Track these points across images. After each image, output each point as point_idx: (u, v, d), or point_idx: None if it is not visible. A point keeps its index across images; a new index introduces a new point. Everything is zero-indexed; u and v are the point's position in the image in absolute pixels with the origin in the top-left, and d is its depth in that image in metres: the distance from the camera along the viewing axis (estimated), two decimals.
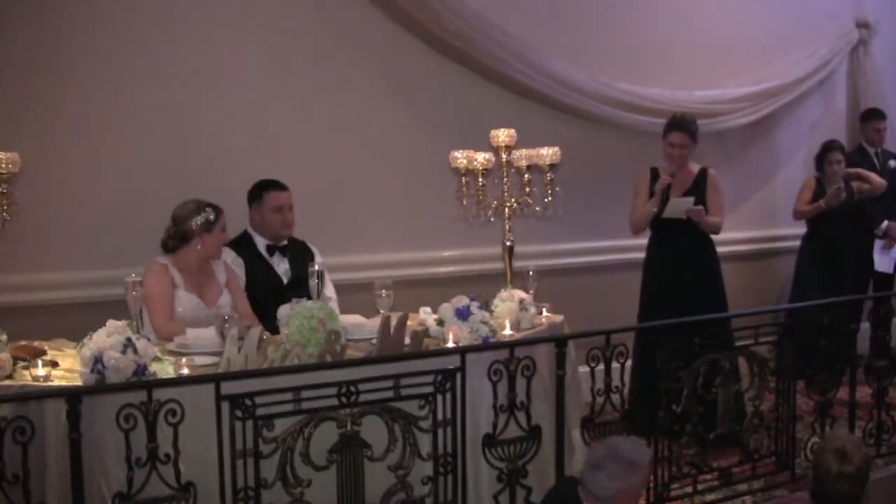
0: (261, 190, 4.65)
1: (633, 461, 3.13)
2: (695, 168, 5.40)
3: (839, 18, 7.18)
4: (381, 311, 3.88)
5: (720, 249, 5.54)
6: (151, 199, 4.54)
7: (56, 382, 3.23)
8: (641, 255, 5.53)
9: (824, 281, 6.29)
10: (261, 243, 4.66)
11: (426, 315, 4.12)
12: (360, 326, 4.02)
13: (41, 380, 3.21)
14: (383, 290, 3.95)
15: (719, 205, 5.36)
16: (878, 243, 6.66)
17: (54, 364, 3.37)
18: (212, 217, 4.21)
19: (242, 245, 4.63)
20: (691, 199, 5.22)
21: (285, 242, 4.71)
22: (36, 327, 4.00)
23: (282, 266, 4.66)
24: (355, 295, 4.79)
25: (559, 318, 4.43)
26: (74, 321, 3.87)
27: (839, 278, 6.32)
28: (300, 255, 4.69)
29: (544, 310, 4.41)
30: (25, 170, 3.81)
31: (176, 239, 4.21)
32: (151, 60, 4.71)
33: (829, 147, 6.52)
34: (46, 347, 3.61)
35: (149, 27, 4.70)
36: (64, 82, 4.53)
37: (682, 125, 5.29)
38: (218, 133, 4.88)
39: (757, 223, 6.92)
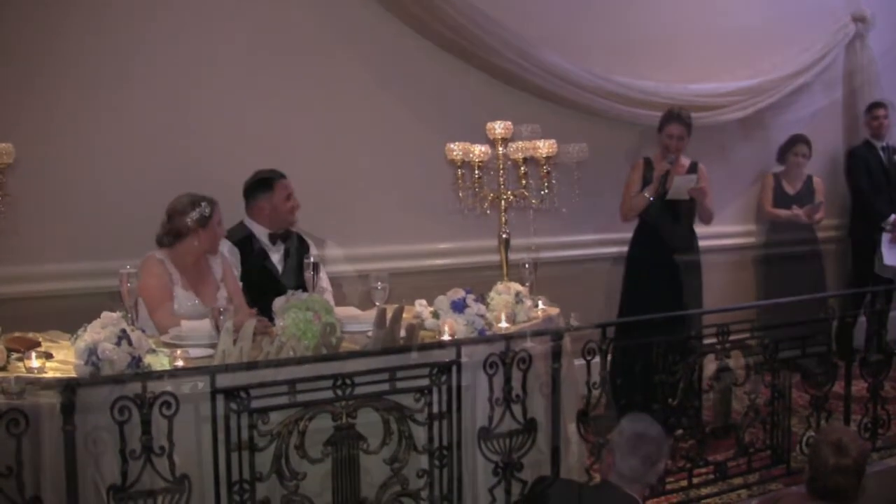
0: (270, 179, 4.63)
1: (658, 434, 3.25)
2: (686, 161, 5.46)
3: (835, 12, 7.17)
4: (377, 304, 3.87)
5: (714, 243, 5.58)
6: (146, 190, 4.51)
7: (50, 374, 3.20)
8: None
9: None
10: (262, 233, 4.64)
11: (422, 307, 4.11)
12: (356, 319, 4.01)
13: (35, 371, 3.19)
14: (379, 283, 3.94)
15: (711, 197, 5.40)
16: (885, 237, 6.67)
17: (48, 356, 3.35)
18: (207, 212, 4.16)
19: (240, 236, 4.60)
20: (695, 177, 5.28)
21: (289, 230, 4.70)
22: (30, 319, 3.98)
23: (277, 255, 4.64)
24: (351, 287, 4.79)
25: (555, 310, 4.42)
26: (69, 313, 3.85)
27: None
28: (296, 247, 4.68)
29: (540, 302, 4.40)
30: (20, 161, 3.79)
31: (171, 235, 4.17)
32: (147, 52, 4.69)
33: (796, 139, 6.60)
34: (41, 339, 3.59)
35: (144, 20, 4.68)
36: (60, 76, 4.52)
37: (680, 117, 5.38)
38: (214, 125, 4.85)
39: (751, 217, 6.92)
